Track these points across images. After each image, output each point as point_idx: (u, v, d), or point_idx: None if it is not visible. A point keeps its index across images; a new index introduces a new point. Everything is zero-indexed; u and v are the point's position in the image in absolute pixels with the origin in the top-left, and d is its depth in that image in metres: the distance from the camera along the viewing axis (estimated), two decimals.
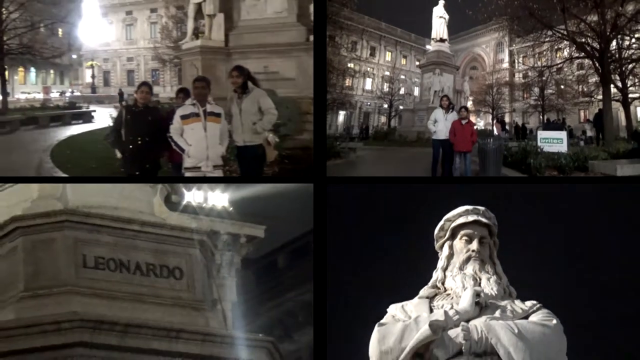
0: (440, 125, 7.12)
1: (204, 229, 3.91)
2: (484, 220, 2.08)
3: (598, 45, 9.80)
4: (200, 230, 3.76)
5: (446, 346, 1.85)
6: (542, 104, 14.70)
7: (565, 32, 10.32)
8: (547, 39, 11.15)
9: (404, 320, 1.95)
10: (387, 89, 17.24)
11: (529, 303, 2.02)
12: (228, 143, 4.27)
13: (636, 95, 11.50)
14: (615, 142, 9.90)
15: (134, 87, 12.88)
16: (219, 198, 6.91)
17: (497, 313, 1.94)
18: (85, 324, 3.07)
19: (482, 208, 2.11)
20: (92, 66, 21.54)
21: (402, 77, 17.73)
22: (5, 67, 15.07)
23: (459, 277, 2.04)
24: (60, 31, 20.33)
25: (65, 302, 3.21)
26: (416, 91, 16.73)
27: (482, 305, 1.96)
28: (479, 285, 2.02)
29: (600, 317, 2.90)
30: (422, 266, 2.24)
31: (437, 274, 2.10)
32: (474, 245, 2.05)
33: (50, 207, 3.48)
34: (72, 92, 21.33)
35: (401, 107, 16.62)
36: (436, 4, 15.21)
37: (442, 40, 15.11)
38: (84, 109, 16.31)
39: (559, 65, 12.12)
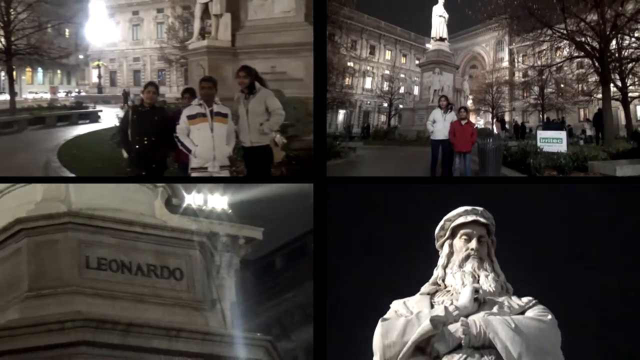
0: (439, 125, 7.13)
1: (204, 230, 3.96)
2: (482, 220, 2.17)
3: (598, 45, 9.78)
4: (200, 232, 3.82)
5: (446, 340, 1.93)
6: (542, 102, 14.66)
7: (565, 32, 10.30)
8: (546, 39, 11.13)
9: (406, 315, 2.03)
10: (387, 88, 17.18)
11: (525, 299, 2.10)
12: (235, 144, 4.24)
13: (636, 94, 11.45)
14: (615, 141, 9.89)
15: (140, 87, 12.82)
16: (218, 200, 7.00)
17: (495, 309, 2.02)
18: (88, 323, 3.14)
19: (480, 208, 2.20)
20: (98, 66, 21.53)
21: (402, 76, 17.65)
22: (13, 67, 15.06)
23: (459, 274, 2.12)
24: (67, 32, 20.40)
25: (69, 302, 3.28)
26: (416, 90, 16.68)
27: (480, 301, 2.03)
28: (478, 282, 2.09)
29: (600, 317, 2.95)
30: (421, 266, 2.30)
31: (437, 272, 2.18)
32: (473, 244, 2.14)
33: (53, 209, 3.55)
34: (79, 92, 21.43)
35: (401, 106, 16.59)
36: (436, 2, 15.13)
37: (441, 39, 15.06)
38: (90, 109, 16.35)
39: (559, 65, 12.09)
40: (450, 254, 2.17)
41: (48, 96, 19.80)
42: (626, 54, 10.48)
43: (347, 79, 16.26)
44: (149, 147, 4.25)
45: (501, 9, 11.93)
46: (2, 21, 13.87)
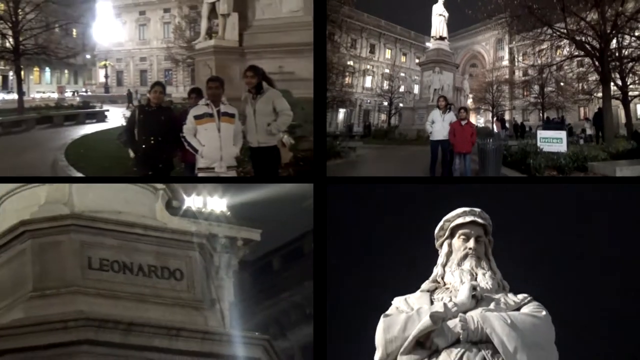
0: (438, 126, 7.15)
1: (203, 232, 4.00)
2: (480, 220, 2.25)
3: (598, 44, 9.74)
4: (199, 233, 3.87)
5: (445, 335, 2.02)
6: (542, 101, 14.61)
7: (565, 31, 10.26)
8: (546, 38, 11.08)
9: (407, 311, 2.11)
10: (387, 87, 17.14)
11: (520, 296, 2.17)
12: (242, 144, 4.21)
13: (636, 93, 11.38)
14: (615, 140, 9.87)
15: (146, 87, 12.80)
16: (217, 203, 7.10)
17: (492, 305, 2.10)
18: (90, 323, 3.20)
19: (478, 210, 2.28)
20: (105, 66, 21.53)
21: (402, 74, 17.58)
22: (22, 66, 15.20)
23: (457, 272, 2.20)
24: (74, 32, 20.44)
25: (72, 302, 3.34)
26: (416, 89, 16.62)
27: (478, 298, 2.12)
28: (476, 279, 2.18)
29: (600, 317, 2.97)
30: (421, 266, 2.35)
31: (437, 270, 2.26)
32: (471, 243, 2.22)
33: (57, 211, 3.62)
34: (86, 91, 21.51)
35: (401, 105, 16.55)
36: (435, 1, 15.03)
37: (441, 38, 14.97)
38: (97, 109, 16.43)
39: (559, 64, 12.04)
40: (450, 253, 2.26)
41: (55, 96, 19.84)
42: (626, 53, 10.42)
43: (347, 77, 16.23)
44: (156, 146, 4.28)
45: (501, 9, 11.90)
46: (10, 21, 14.00)
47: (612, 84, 10.37)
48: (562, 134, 8.89)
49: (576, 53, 10.79)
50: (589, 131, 12.15)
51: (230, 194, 6.97)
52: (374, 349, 2.15)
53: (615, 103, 10.92)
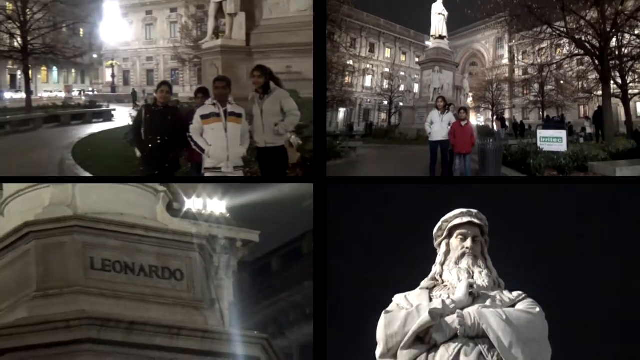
0: (437, 126, 7.17)
1: (203, 234, 4.05)
2: (476, 221, 2.34)
3: (598, 43, 9.70)
4: (199, 235, 3.92)
5: (444, 331, 2.11)
6: (542, 100, 14.58)
7: (564, 30, 10.22)
8: (546, 37, 11.05)
9: (407, 308, 2.20)
10: (387, 86, 17.13)
11: (515, 293, 2.26)
12: (249, 144, 4.20)
13: (636, 91, 11.34)
14: (615, 138, 9.84)
15: (153, 86, 12.77)
16: (217, 205, 7.17)
17: (488, 302, 2.19)
18: (92, 322, 3.26)
19: (474, 211, 2.34)
20: (112, 66, 21.55)
21: (402, 73, 17.55)
22: (29, 66, 15.29)
23: (455, 270, 2.29)
24: (81, 31, 20.49)
25: (74, 302, 3.40)
26: (416, 88, 16.60)
27: (474, 295, 2.21)
28: (472, 277, 2.26)
29: (600, 316, 3.00)
30: (420, 265, 2.41)
31: (435, 268, 2.35)
32: (468, 243, 2.31)
33: (60, 213, 3.67)
34: (93, 91, 21.57)
35: (401, 104, 16.52)
36: (435, 0, 14.99)
37: (441, 37, 14.91)
38: (104, 108, 16.50)
39: (559, 63, 12.00)
40: (448, 252, 2.34)
41: (63, 95, 19.91)
42: (626, 51, 10.38)
43: (347, 77, 16.21)
44: (162, 146, 4.29)
45: (500, 8, 11.87)
46: (18, 21, 14.13)
47: (612, 82, 10.33)
48: (562, 134, 8.89)
49: (576, 52, 10.75)
50: (589, 130, 12.13)
51: (229, 195, 7.05)
52: (373, 349, 2.21)
53: (615, 101, 10.88)
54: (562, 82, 13.75)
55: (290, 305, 8.34)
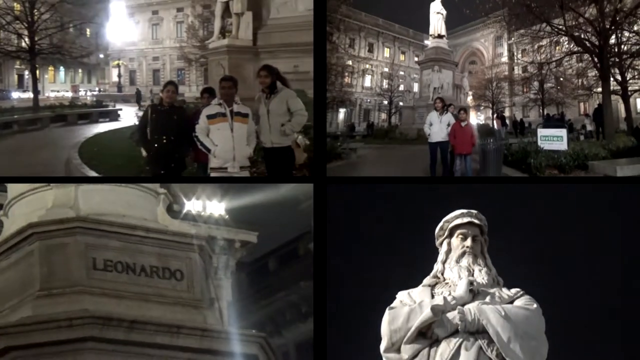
0: (435, 127, 7.19)
1: (203, 235, 4.08)
2: (476, 221, 2.43)
3: (597, 41, 9.65)
4: (199, 236, 3.96)
5: (445, 326, 2.20)
6: (542, 97, 14.53)
7: (563, 28, 10.18)
8: (545, 35, 11.01)
9: (410, 304, 2.29)
10: (387, 86, 17.09)
11: (513, 290, 2.34)
12: (255, 144, 4.18)
13: (636, 87, 11.28)
14: (616, 135, 9.80)
15: (159, 86, 12.81)
16: (216, 207, 7.24)
17: (487, 299, 2.28)
18: (95, 321, 3.32)
19: (474, 211, 2.43)
20: (118, 65, 21.60)
21: (402, 73, 17.53)
22: (37, 66, 15.45)
23: (456, 268, 2.37)
24: (88, 31, 20.61)
25: (77, 301, 3.46)
26: (416, 87, 16.58)
27: (475, 292, 2.29)
28: (472, 275, 2.35)
29: (600, 316, 3.02)
30: (420, 265, 2.47)
31: (437, 266, 2.44)
32: (468, 242, 2.40)
33: (63, 214, 3.74)
34: (99, 90, 21.61)
35: (401, 104, 16.51)
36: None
37: (440, 36, 14.91)
38: (110, 108, 16.58)
39: (558, 60, 11.94)
40: (449, 251, 2.42)
41: (69, 94, 20.08)
42: (625, 48, 10.33)
43: (346, 77, 16.20)
44: (168, 146, 4.30)
45: (499, 7, 11.83)
46: (26, 21, 14.29)
47: (611, 79, 10.28)
48: (563, 132, 8.88)
49: (575, 49, 10.70)
50: (589, 127, 12.10)
51: (228, 197, 7.13)
52: (373, 348, 2.28)
53: (615, 97, 10.85)
54: (561, 79, 13.70)
55: (287, 304, 8.44)
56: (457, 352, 2.15)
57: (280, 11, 8.79)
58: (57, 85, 21.07)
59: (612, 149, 8.64)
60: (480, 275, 2.33)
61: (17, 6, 14.86)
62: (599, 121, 10.99)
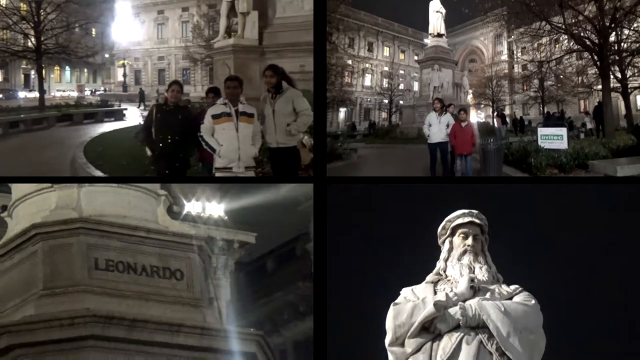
0: (435, 128, 7.19)
1: (202, 235, 4.14)
2: (477, 221, 2.50)
3: (597, 39, 9.61)
4: (198, 236, 4.02)
5: (447, 321, 2.28)
6: (542, 95, 14.47)
7: (563, 26, 10.14)
8: (544, 34, 10.97)
9: (414, 300, 2.36)
10: (387, 85, 17.05)
11: (512, 287, 2.41)
12: (260, 144, 4.14)
13: (636, 84, 11.22)
14: (616, 133, 9.76)
15: (164, 86, 12.84)
16: (215, 208, 7.31)
17: (488, 295, 2.35)
18: (96, 319, 3.39)
19: (475, 211, 2.50)
20: (123, 65, 21.64)
21: (401, 72, 17.49)
22: (43, 65, 15.69)
23: (457, 266, 2.44)
24: (93, 31, 20.75)
25: (79, 300, 3.53)
26: (416, 86, 16.55)
27: (475, 289, 2.37)
28: (473, 272, 2.42)
29: (600, 316, 3.03)
30: (420, 266, 2.51)
31: (439, 264, 2.51)
32: (469, 240, 2.47)
33: (66, 215, 3.81)
34: (105, 90, 21.69)
35: (401, 102, 16.49)
36: None
37: (439, 35, 14.84)
38: (115, 107, 16.70)
39: (558, 58, 11.89)
40: (450, 249, 2.49)
41: (75, 94, 20.24)
42: (625, 46, 10.28)
43: (346, 77, 16.17)
44: (173, 145, 4.30)
45: (498, 6, 11.79)
46: (32, 21, 14.47)
47: (611, 76, 10.23)
48: (563, 131, 8.85)
49: (575, 47, 10.65)
50: (589, 125, 12.05)
51: (227, 199, 7.19)
52: (373, 348, 2.34)
53: (615, 95, 10.80)
54: (561, 77, 13.65)
55: (284, 304, 8.51)
56: (458, 346, 2.21)
57: (287, 10, 8.67)
58: (62, 85, 21.21)
59: (612, 147, 8.62)
60: (481, 273, 2.39)
61: (23, 6, 15.01)
62: (599, 119, 10.94)
